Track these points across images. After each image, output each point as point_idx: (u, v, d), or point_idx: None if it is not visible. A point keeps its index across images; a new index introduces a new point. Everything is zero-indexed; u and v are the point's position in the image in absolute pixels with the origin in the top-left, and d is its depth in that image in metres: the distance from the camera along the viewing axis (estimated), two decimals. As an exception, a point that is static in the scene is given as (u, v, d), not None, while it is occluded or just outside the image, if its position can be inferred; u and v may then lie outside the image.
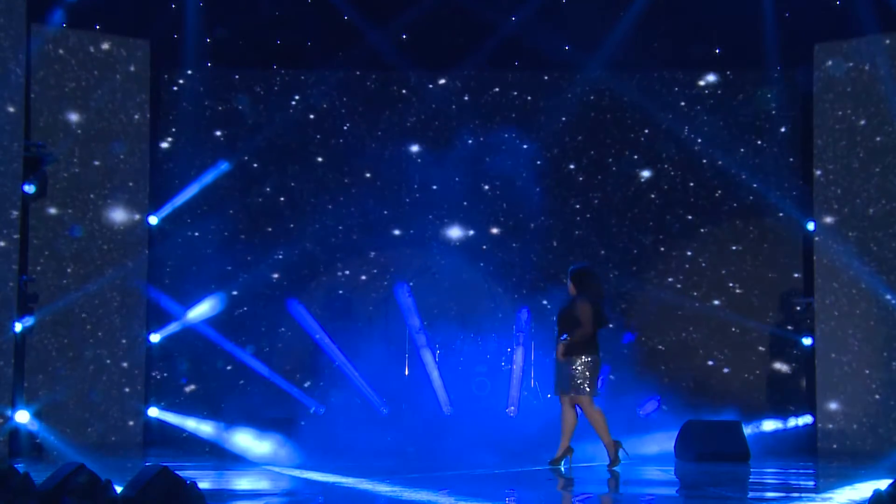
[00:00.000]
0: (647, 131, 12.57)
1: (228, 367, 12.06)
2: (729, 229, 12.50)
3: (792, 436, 11.67)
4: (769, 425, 11.68)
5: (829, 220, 11.36)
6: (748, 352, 12.31)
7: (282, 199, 12.46)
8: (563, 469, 8.68)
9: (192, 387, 12.08)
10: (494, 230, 12.67)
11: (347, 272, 12.49)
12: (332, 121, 12.61)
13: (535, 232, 12.62)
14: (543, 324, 12.19)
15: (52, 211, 11.05)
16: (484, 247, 12.64)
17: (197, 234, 12.23)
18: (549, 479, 8.14)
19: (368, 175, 12.56)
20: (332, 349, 11.94)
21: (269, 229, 12.44)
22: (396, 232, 12.55)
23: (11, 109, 9.86)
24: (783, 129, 12.32)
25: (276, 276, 12.31)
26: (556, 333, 8.89)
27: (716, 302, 12.40)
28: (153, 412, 11.65)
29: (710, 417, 10.57)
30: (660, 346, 12.40)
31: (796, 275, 12.21)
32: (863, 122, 11.23)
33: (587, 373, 8.65)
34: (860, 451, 10.87)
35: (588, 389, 8.66)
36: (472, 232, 12.66)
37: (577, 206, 12.64)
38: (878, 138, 11.17)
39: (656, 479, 8.41)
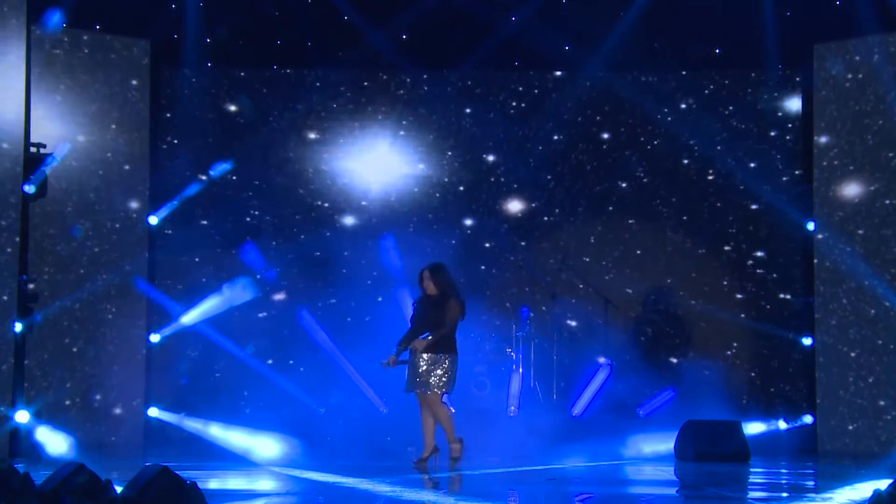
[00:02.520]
0: (646, 131, 12.57)
1: (228, 368, 12.05)
2: (729, 229, 12.49)
3: (792, 436, 11.67)
4: (769, 425, 11.68)
5: (828, 220, 11.37)
6: (748, 351, 12.30)
7: (281, 198, 12.45)
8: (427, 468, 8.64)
9: (193, 387, 12.05)
10: (495, 228, 12.65)
11: (348, 271, 12.47)
12: (332, 120, 12.60)
13: (535, 231, 12.63)
14: (544, 323, 12.21)
15: (52, 211, 11.04)
16: (487, 244, 12.64)
17: (197, 234, 12.22)
18: (550, 479, 8.14)
19: (368, 175, 12.55)
20: (332, 349, 11.93)
21: (269, 229, 12.43)
22: (396, 231, 12.54)
23: (11, 109, 9.86)
24: (783, 129, 12.31)
25: (276, 275, 12.29)
26: (415, 330, 8.86)
27: (715, 301, 12.38)
28: (153, 412, 11.64)
29: (710, 417, 10.57)
30: (659, 346, 12.38)
31: (796, 275, 12.20)
32: (862, 122, 11.23)
33: (451, 370, 8.68)
34: (860, 451, 10.87)
35: (447, 387, 8.69)
36: (473, 230, 12.65)
37: (576, 206, 12.64)
38: (877, 138, 11.17)
39: (656, 479, 8.41)
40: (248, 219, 12.41)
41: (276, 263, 12.26)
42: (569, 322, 12.42)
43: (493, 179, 12.71)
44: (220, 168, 12.21)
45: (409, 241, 12.35)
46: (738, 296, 12.41)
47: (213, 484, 7.37)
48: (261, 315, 12.23)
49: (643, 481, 8.25)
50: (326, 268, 12.42)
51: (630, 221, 12.59)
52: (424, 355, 8.68)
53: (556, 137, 12.61)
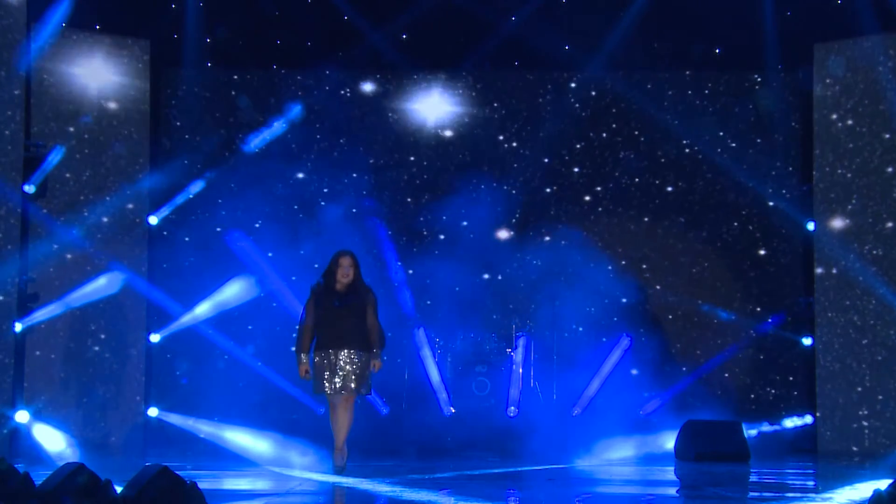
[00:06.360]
0: (647, 131, 12.58)
1: (228, 367, 12.05)
2: (729, 229, 12.50)
3: (792, 436, 11.67)
4: (769, 425, 11.68)
5: (828, 220, 11.39)
6: (748, 352, 12.31)
7: (281, 198, 12.45)
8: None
9: (192, 387, 12.05)
10: (496, 230, 12.66)
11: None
12: (332, 120, 12.60)
13: (536, 232, 12.63)
14: (544, 324, 12.21)
15: (52, 210, 11.04)
16: (489, 243, 12.65)
17: (197, 234, 12.22)
18: (550, 479, 8.14)
19: (369, 175, 12.56)
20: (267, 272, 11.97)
21: (269, 229, 12.43)
22: (397, 233, 12.54)
23: (11, 110, 9.86)
24: (783, 129, 12.32)
25: (276, 276, 12.29)
26: (333, 321, 7.83)
27: (715, 301, 12.39)
28: (153, 412, 11.65)
29: (710, 417, 10.57)
30: (660, 346, 12.39)
31: (796, 275, 12.21)
32: (862, 122, 11.23)
33: (368, 369, 7.99)
34: (860, 451, 10.87)
35: (370, 386, 8.05)
36: (475, 232, 12.65)
37: (576, 206, 12.65)
38: (877, 138, 11.17)
39: (656, 479, 8.40)
40: (248, 219, 12.39)
41: (276, 262, 12.25)
42: (569, 321, 12.42)
43: (492, 179, 12.70)
44: (219, 168, 12.21)
45: (409, 241, 12.35)
46: (738, 295, 12.42)
47: (213, 484, 7.37)
48: (260, 315, 12.23)
49: (643, 481, 8.25)
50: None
51: (629, 221, 12.59)
52: (344, 354, 7.85)
53: (554, 137, 12.61)
